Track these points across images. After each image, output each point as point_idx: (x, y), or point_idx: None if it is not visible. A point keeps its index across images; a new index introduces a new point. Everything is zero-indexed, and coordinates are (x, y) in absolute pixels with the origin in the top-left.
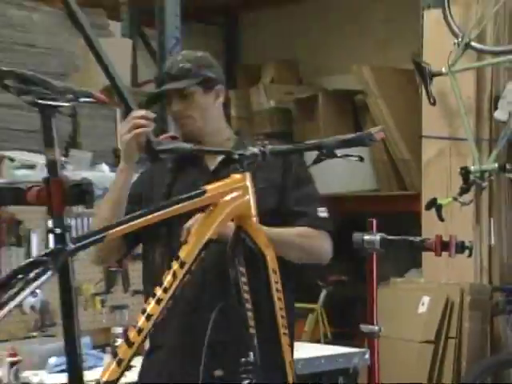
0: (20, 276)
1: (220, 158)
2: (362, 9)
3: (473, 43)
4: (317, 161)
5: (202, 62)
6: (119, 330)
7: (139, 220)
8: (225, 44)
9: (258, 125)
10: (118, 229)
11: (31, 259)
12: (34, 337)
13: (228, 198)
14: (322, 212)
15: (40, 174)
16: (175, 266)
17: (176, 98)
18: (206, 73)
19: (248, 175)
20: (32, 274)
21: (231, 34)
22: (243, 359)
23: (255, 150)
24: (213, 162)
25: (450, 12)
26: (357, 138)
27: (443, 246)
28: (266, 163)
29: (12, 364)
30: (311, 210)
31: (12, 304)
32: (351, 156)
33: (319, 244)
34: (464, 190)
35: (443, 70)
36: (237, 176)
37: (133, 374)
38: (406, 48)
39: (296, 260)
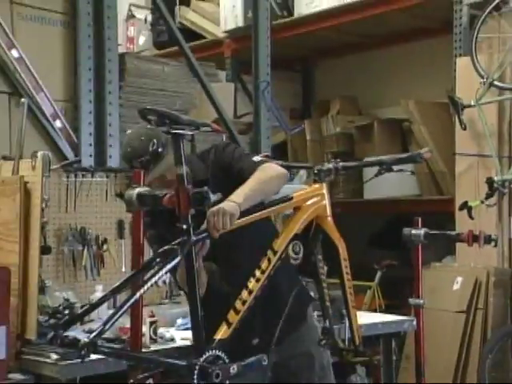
0: (157, 260)
1: None
2: (408, 55)
3: (495, 82)
4: (378, 174)
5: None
6: None
7: (241, 220)
8: (303, 85)
9: (327, 146)
10: None
11: (166, 248)
12: (165, 303)
13: (309, 202)
14: (256, 158)
15: None
16: (270, 254)
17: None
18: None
19: (325, 185)
20: (166, 259)
21: (308, 77)
22: (322, 326)
23: (330, 165)
24: None
25: (476, 58)
26: (410, 157)
27: (474, 239)
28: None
29: (151, 323)
30: (246, 164)
31: (153, 280)
32: (405, 170)
33: (267, 173)
34: (489, 195)
35: (472, 102)
36: (316, 186)
37: None
38: (442, 86)
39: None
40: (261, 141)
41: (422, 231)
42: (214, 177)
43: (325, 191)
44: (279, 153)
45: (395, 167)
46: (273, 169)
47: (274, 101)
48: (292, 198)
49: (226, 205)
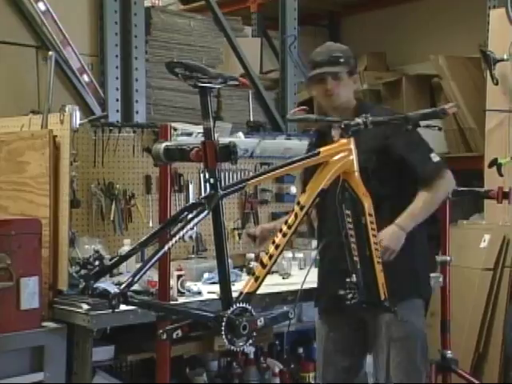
0: (185, 214)
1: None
2: (438, 10)
3: None
4: (404, 130)
5: (348, 53)
6: (252, 255)
7: (268, 174)
8: (330, 41)
9: None
10: (253, 180)
11: (193, 201)
12: (192, 258)
13: (336, 157)
14: (434, 156)
15: (195, 139)
16: (296, 208)
17: (330, 79)
18: (351, 62)
19: (352, 140)
20: (193, 213)
21: (334, 34)
22: (348, 280)
23: (359, 120)
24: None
25: (511, 11)
26: (433, 112)
27: (504, 196)
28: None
29: (178, 276)
30: (424, 166)
31: (180, 234)
32: (432, 126)
33: (438, 197)
34: None
35: (505, 56)
36: (343, 140)
37: (265, 287)
38: (473, 40)
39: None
40: (287, 97)
41: None
42: (379, 153)
43: (352, 146)
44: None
45: (422, 123)
46: (446, 183)
47: (300, 56)
48: (319, 152)
49: (395, 233)
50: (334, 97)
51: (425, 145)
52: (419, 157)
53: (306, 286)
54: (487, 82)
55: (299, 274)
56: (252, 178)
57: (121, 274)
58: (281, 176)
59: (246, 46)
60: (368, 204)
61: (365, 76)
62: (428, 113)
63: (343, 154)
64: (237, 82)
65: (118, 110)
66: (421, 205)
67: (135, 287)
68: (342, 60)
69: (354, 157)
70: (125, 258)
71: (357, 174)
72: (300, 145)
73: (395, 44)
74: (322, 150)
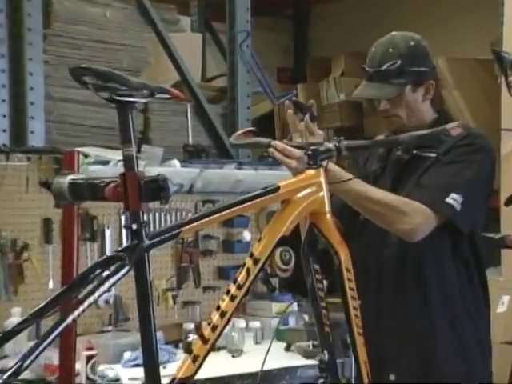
0: (99, 271)
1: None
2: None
3: None
4: (393, 157)
5: (414, 54)
6: (191, 325)
7: (212, 217)
8: (295, 37)
9: (328, 119)
10: (192, 225)
11: (108, 254)
12: (108, 331)
13: (302, 194)
14: (454, 199)
15: (113, 169)
16: (249, 262)
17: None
18: (417, 68)
19: (322, 171)
20: (109, 270)
21: (301, 27)
22: (318, 357)
23: (330, 145)
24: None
25: None
26: (431, 135)
27: None
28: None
29: (88, 358)
30: (435, 188)
31: (91, 299)
32: (428, 153)
33: (402, 220)
34: None
35: None
36: (311, 172)
37: (207, 370)
38: (483, 37)
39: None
40: (238, 112)
41: None
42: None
43: (322, 179)
44: (263, 128)
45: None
46: (412, 218)
47: (255, 58)
48: (278, 187)
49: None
50: (394, 119)
51: (457, 179)
52: (434, 183)
53: (267, 367)
54: (502, 91)
55: (255, 351)
56: (190, 221)
57: (6, 357)
58: (230, 218)
59: (183, 44)
60: (345, 256)
61: (342, 84)
62: (424, 135)
63: (310, 189)
64: (168, 95)
65: (4, 130)
66: (380, 196)
67: (26, 375)
68: (399, 70)
69: (325, 193)
70: (11, 335)
71: (329, 216)
72: (256, 176)
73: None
74: (282, 183)
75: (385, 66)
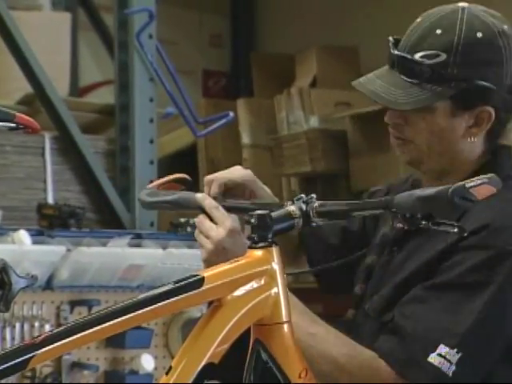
0: None
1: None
2: None
3: None
4: (391, 231)
5: (477, 53)
6: None
7: (86, 332)
8: (231, 20)
9: (289, 160)
10: (47, 349)
11: None
12: None
13: (241, 292)
14: (441, 356)
15: None
16: None
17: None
18: (474, 78)
19: (276, 251)
20: None
21: (243, 3)
22: None
23: (291, 208)
24: None
25: None
26: (440, 196)
27: None
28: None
29: None
30: (415, 340)
31: None
32: (445, 225)
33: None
34: None
35: None
36: (257, 254)
37: None
38: None
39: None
40: (133, 148)
41: None
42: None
43: (276, 266)
44: (180, 172)
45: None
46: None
47: (164, 55)
48: (202, 279)
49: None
50: (410, 147)
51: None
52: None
53: None
54: None
55: None
56: (47, 341)
57: None
58: (119, 334)
59: (40, 31)
60: None
61: (312, 99)
62: (430, 196)
63: (256, 283)
64: (14, 125)
65: None
66: (327, 333)
67: None
68: (439, 70)
69: (280, 290)
70: None
71: (288, 328)
72: (164, 258)
73: (377, 32)
74: (207, 273)
75: (418, 55)
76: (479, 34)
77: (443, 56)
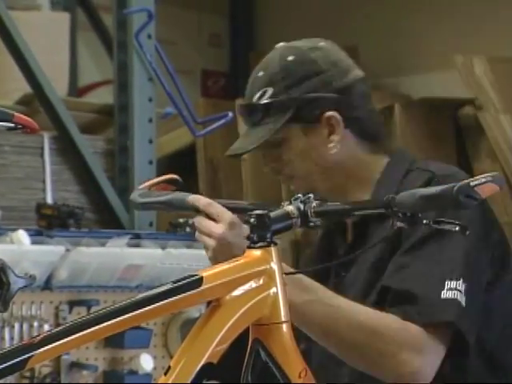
0: None
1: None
2: None
3: None
4: (391, 231)
5: (292, 74)
6: None
7: (85, 332)
8: (231, 20)
9: None
10: (46, 349)
11: None
12: None
13: (239, 292)
14: (452, 289)
15: None
16: None
17: (267, 147)
18: (303, 93)
19: (275, 251)
20: None
21: (242, 3)
22: None
23: (289, 208)
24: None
25: None
26: (445, 194)
27: None
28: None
29: None
30: (422, 290)
31: None
32: (446, 224)
33: (391, 349)
34: None
35: None
36: (256, 253)
37: None
38: None
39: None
40: (132, 148)
41: None
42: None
43: (275, 266)
44: (179, 172)
45: (427, 217)
46: (406, 348)
47: (163, 55)
48: (201, 279)
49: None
50: (294, 183)
51: (450, 258)
52: (422, 270)
53: None
54: None
55: None
56: (45, 340)
57: None
58: (118, 333)
59: (39, 31)
60: None
61: None
62: (433, 195)
63: (254, 283)
64: (13, 125)
65: None
66: (345, 304)
67: None
68: (270, 103)
69: (279, 290)
70: None
71: (286, 327)
72: (163, 258)
73: (376, 33)
74: (206, 273)
75: (254, 99)
76: (290, 58)
77: (270, 90)
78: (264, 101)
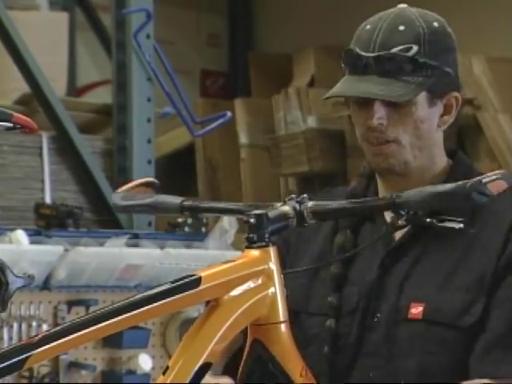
0: None
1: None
2: None
3: None
4: (391, 230)
5: (440, 42)
6: None
7: (83, 331)
8: (229, 20)
9: (287, 159)
10: (44, 349)
11: None
12: None
13: (238, 292)
14: None
15: None
16: None
17: (377, 104)
18: (442, 65)
19: (273, 251)
20: None
21: (240, 3)
22: None
23: (285, 208)
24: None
25: None
26: (455, 192)
27: None
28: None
29: None
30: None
31: None
32: (451, 222)
33: None
34: None
35: None
36: (254, 253)
37: None
38: None
39: None
40: (131, 148)
41: None
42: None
43: (273, 266)
44: (178, 172)
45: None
46: None
47: (162, 55)
48: (200, 279)
49: None
50: (392, 148)
51: None
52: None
53: None
54: None
55: None
56: (44, 340)
57: None
58: (116, 333)
59: (37, 31)
60: None
61: (310, 99)
62: (444, 192)
63: (252, 283)
64: (11, 125)
65: None
66: None
67: None
68: (415, 61)
69: (277, 290)
70: None
71: (285, 327)
72: (162, 258)
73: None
74: (204, 273)
75: (394, 50)
76: (435, 24)
77: (415, 48)
78: (411, 56)
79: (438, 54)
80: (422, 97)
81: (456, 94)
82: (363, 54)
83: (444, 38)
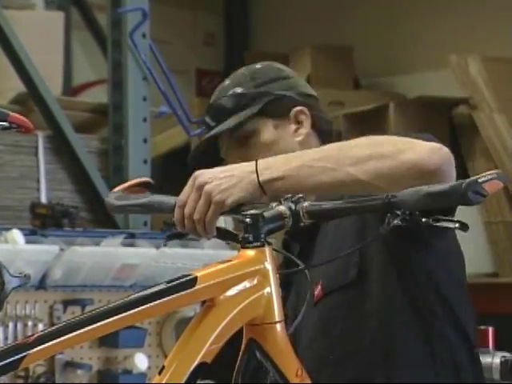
0: None
1: None
2: None
3: None
4: (384, 230)
5: (260, 75)
6: None
7: (79, 331)
8: (225, 19)
9: None
10: (40, 348)
11: None
12: None
13: (233, 292)
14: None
15: None
16: None
17: (231, 145)
18: (270, 90)
19: (268, 251)
20: None
21: (235, 6)
22: None
23: (281, 208)
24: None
25: None
26: (451, 191)
27: None
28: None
29: None
30: None
31: None
32: (446, 221)
33: (405, 147)
34: None
35: None
36: (250, 253)
37: None
38: None
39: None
40: (127, 147)
41: (496, 359)
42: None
43: (268, 265)
44: (174, 171)
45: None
46: (410, 143)
47: (157, 54)
48: (195, 279)
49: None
50: None
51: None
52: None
53: None
54: None
55: None
56: (40, 340)
57: None
58: (112, 333)
59: (33, 30)
60: None
61: None
62: (439, 192)
63: (248, 283)
64: (5, 123)
65: None
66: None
67: None
68: (240, 98)
69: (273, 289)
70: None
71: (280, 328)
72: (158, 257)
73: (371, 32)
74: (200, 273)
75: (220, 100)
76: (258, 66)
77: (239, 89)
78: (235, 95)
79: (263, 84)
80: (264, 123)
81: (299, 108)
82: (207, 119)
83: (268, 72)
